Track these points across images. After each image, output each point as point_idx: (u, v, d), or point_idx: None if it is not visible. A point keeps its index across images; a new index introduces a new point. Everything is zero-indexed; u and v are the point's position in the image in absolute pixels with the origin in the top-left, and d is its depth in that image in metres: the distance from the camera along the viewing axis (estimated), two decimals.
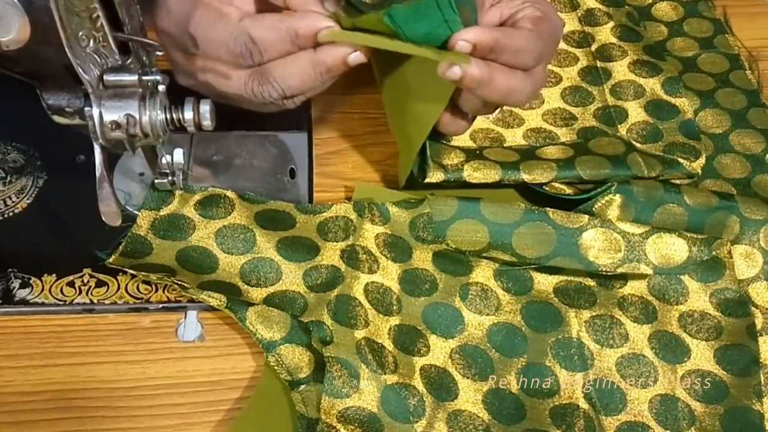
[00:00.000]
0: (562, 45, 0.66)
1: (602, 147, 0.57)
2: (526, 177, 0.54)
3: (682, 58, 0.66)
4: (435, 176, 0.53)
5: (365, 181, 0.56)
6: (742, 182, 0.58)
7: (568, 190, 0.54)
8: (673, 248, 0.51)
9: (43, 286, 0.48)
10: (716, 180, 0.58)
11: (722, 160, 0.59)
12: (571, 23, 0.67)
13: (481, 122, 0.60)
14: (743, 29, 0.68)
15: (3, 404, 0.44)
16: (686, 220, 0.53)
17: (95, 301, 0.48)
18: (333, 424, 0.42)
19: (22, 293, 0.48)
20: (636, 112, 0.61)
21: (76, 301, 0.48)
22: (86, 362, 0.46)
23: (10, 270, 0.48)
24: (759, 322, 0.50)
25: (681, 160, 0.56)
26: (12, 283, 0.48)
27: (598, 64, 0.64)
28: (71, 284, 0.48)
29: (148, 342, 0.47)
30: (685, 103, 0.61)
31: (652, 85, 0.62)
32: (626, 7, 0.68)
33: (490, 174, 0.53)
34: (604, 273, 0.51)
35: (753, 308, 0.50)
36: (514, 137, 0.59)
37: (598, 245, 0.51)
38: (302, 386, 0.44)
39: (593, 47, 0.65)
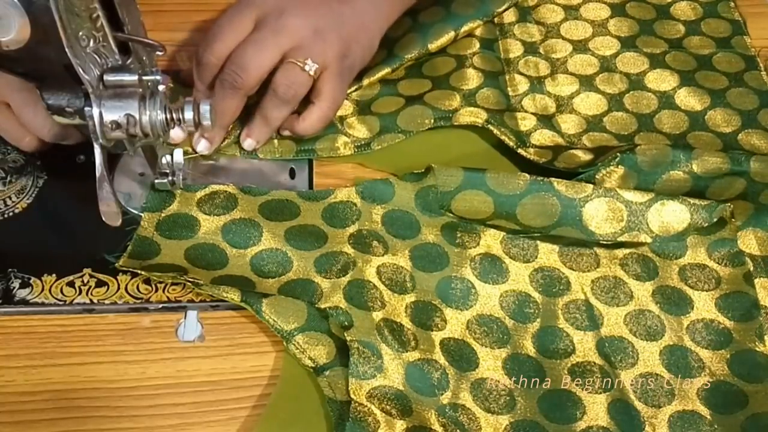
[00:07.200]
0: None
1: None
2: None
3: (697, 56, 0.65)
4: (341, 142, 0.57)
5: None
6: None
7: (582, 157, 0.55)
8: (674, 216, 0.52)
9: (43, 286, 0.48)
10: None
11: None
12: None
13: None
14: None
15: (3, 404, 0.44)
16: (689, 186, 0.53)
17: (95, 301, 0.48)
18: (364, 403, 0.43)
19: (22, 293, 0.48)
20: None
21: (76, 301, 0.48)
22: (86, 362, 0.46)
23: (10, 270, 0.48)
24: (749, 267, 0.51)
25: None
26: (12, 283, 0.48)
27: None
28: (71, 284, 0.48)
29: (148, 342, 0.47)
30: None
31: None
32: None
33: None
34: (604, 243, 0.52)
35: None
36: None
37: (600, 215, 0.52)
38: (327, 372, 0.45)
39: None
